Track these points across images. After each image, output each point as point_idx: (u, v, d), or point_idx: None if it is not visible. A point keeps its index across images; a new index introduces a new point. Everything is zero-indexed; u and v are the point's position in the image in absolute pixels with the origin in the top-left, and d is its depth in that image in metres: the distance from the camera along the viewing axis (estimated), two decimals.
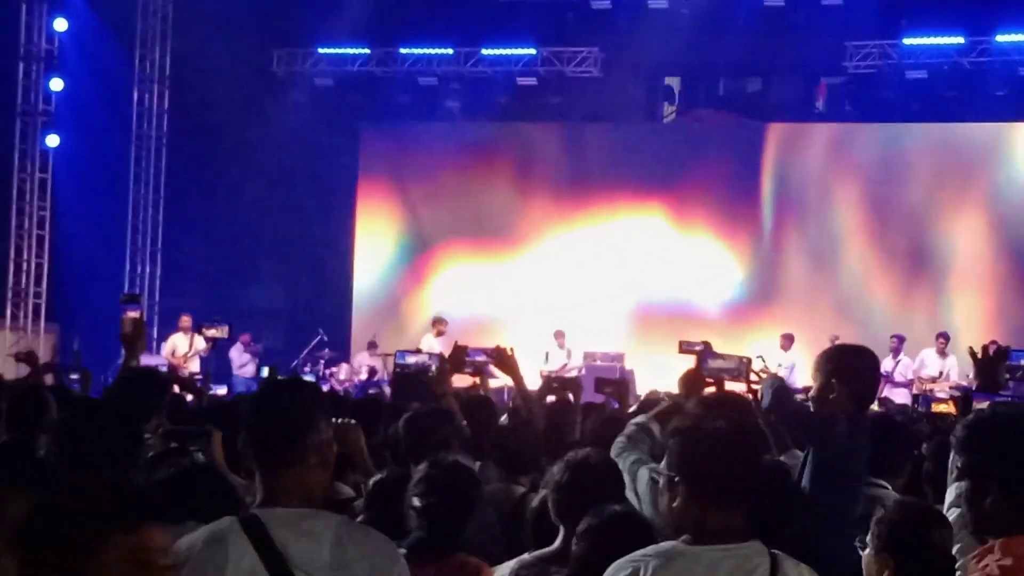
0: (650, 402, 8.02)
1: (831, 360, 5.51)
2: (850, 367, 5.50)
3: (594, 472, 5.03)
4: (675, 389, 7.48)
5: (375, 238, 25.05)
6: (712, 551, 3.78)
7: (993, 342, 8.33)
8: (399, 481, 5.20)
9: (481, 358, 9.16)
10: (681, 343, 8.72)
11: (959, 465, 3.80)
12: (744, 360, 6.71)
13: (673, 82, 24.79)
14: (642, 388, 17.01)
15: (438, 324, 21.46)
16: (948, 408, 10.91)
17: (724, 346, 8.32)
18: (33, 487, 3.41)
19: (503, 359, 7.74)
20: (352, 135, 24.88)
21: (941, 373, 19.68)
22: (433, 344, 20.00)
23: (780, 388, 5.62)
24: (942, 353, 19.83)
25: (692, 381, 6.85)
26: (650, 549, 3.85)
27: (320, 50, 24.48)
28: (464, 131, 24.50)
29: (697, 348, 8.17)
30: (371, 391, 19.28)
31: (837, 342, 15.20)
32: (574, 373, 20.29)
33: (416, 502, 4.92)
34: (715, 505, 3.80)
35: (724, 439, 3.78)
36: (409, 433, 6.40)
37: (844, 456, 5.36)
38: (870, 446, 5.47)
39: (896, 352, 20.18)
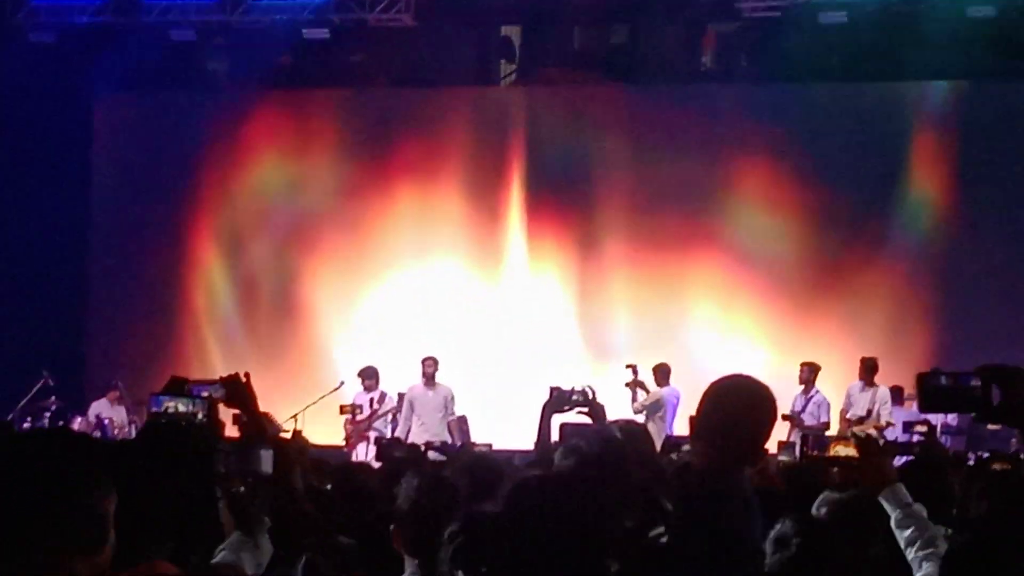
0: None
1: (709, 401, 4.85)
2: (720, 409, 4.73)
3: None
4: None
5: (115, 240, 23.49)
6: None
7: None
8: None
9: (206, 392, 7.27)
10: (553, 390, 7.71)
11: None
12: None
13: (512, 32, 23.71)
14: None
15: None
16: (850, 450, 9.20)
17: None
18: None
19: (235, 391, 6.40)
20: (83, 107, 23.56)
21: (870, 411, 18.54)
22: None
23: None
24: (869, 383, 18.63)
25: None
26: None
27: None
28: (232, 101, 23.37)
29: (577, 403, 7.53)
30: None
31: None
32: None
33: None
34: None
35: None
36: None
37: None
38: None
39: (808, 385, 18.64)
